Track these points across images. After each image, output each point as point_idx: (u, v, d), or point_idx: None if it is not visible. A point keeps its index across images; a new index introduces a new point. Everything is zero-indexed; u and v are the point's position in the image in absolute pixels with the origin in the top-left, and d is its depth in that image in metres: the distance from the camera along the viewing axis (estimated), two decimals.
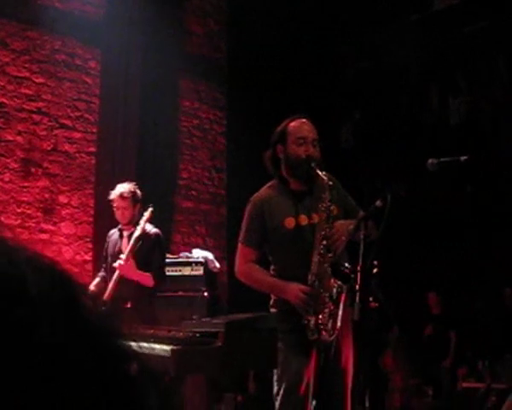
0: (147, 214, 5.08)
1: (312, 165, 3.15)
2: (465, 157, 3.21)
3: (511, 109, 6.75)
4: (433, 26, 7.53)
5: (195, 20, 8.21)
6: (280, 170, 3.32)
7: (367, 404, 3.40)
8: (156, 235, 5.09)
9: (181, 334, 2.39)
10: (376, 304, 6.73)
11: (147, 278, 4.89)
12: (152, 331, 2.64)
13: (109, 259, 5.20)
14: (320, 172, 3.13)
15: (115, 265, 4.85)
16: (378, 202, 2.99)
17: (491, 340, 6.25)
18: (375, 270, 6.16)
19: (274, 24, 7.48)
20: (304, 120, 3.32)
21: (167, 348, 2.12)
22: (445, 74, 7.57)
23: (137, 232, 4.97)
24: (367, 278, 3.03)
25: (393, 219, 3.19)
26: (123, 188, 5.11)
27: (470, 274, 6.76)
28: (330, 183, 3.12)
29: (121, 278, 4.85)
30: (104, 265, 5.28)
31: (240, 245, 3.30)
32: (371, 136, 7.74)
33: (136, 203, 5.13)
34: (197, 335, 2.30)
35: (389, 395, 6.71)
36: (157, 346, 2.27)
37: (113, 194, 5.11)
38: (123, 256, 4.84)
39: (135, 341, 2.57)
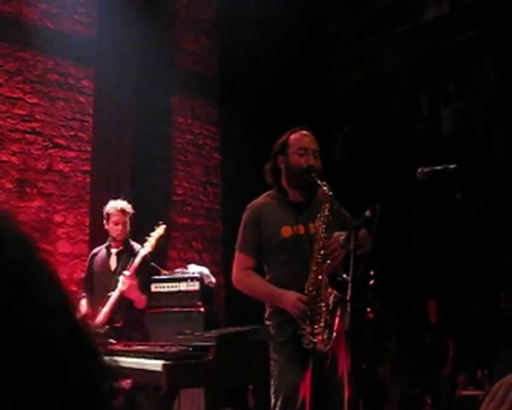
0: (160, 232, 5.04)
1: (313, 175, 3.18)
2: (454, 166, 3.23)
3: (502, 116, 6.79)
4: (423, 36, 7.59)
5: (187, 36, 8.26)
6: (280, 181, 3.35)
7: None
8: (147, 255, 5.06)
9: (173, 349, 2.41)
10: (373, 315, 6.74)
11: (143, 300, 4.89)
12: (144, 347, 2.66)
13: (95, 277, 5.14)
14: (321, 183, 3.16)
15: (120, 282, 4.78)
16: (367, 213, 3.02)
17: (489, 346, 6.25)
18: (371, 281, 6.19)
19: (264, 38, 7.53)
20: (305, 132, 3.36)
21: (159, 362, 2.13)
22: (436, 83, 7.62)
23: (146, 250, 4.91)
24: (361, 289, 3.05)
25: (387, 228, 3.21)
26: (123, 203, 5.10)
27: (465, 281, 6.77)
28: (330, 193, 3.14)
29: (120, 297, 4.80)
30: (87, 284, 5.19)
31: (237, 253, 3.31)
32: (363, 146, 7.78)
33: (130, 221, 5.14)
34: (189, 349, 2.31)
35: (387, 406, 6.70)
36: (149, 361, 2.28)
37: (113, 208, 5.07)
38: (126, 273, 4.78)
39: (127, 357, 2.59)
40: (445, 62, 7.48)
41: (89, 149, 7.10)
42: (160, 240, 5.05)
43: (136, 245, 5.12)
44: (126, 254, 5.05)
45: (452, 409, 6.07)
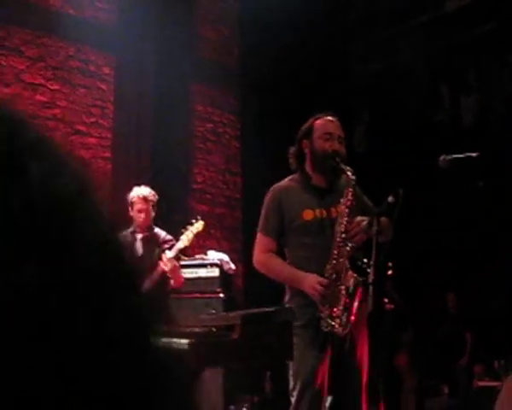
0: (199, 227, 5.08)
1: (337, 160, 3.21)
2: (476, 153, 3.24)
3: None
4: (443, 26, 7.55)
5: (207, 24, 8.28)
6: (303, 165, 3.38)
7: (382, 408, 3.42)
8: (173, 242, 5.12)
9: (198, 328, 2.44)
10: (392, 305, 6.74)
11: (179, 277, 4.96)
12: (169, 327, 2.70)
13: None
14: (345, 168, 3.18)
15: (163, 261, 4.84)
16: (390, 198, 3.03)
17: (506, 339, 6.24)
18: (389, 271, 6.20)
19: (285, 27, 7.52)
20: (330, 118, 3.39)
21: (185, 341, 2.16)
22: (457, 74, 7.58)
23: (183, 244, 4.96)
24: (381, 277, 3.07)
25: (407, 218, 3.22)
26: (146, 191, 5.15)
27: (484, 272, 6.75)
28: (354, 178, 3.16)
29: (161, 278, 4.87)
30: None
31: (258, 234, 3.34)
32: (383, 137, 7.76)
33: (153, 208, 5.19)
34: (213, 329, 2.34)
35: (404, 396, 6.71)
36: (175, 340, 2.31)
37: (136, 196, 5.13)
38: (170, 254, 4.85)
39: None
40: (466, 53, 7.44)
41: (109, 136, 7.15)
42: (197, 236, 5.10)
43: (160, 232, 5.19)
44: (151, 240, 5.11)
45: (469, 399, 6.08)
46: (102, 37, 7.11)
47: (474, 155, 3.26)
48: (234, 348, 2.19)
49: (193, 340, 2.14)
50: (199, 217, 5.21)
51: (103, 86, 7.19)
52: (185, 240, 4.94)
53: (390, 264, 5.83)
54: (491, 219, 6.28)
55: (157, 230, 5.21)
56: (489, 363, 6.34)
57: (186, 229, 5.03)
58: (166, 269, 4.80)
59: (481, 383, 6.04)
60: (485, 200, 5.45)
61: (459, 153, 3.27)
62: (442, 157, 3.27)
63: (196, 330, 2.45)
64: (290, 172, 3.50)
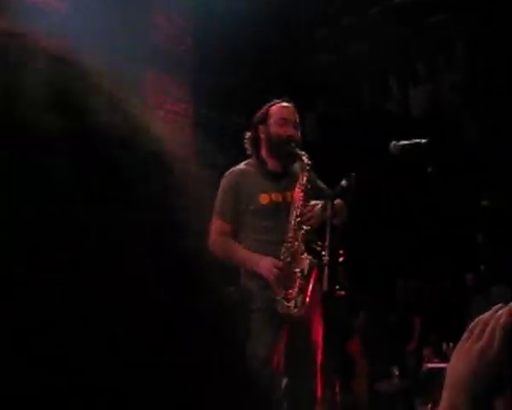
0: None
1: (293, 145, 3.26)
2: (426, 140, 3.33)
3: (471, 97, 6.94)
4: (393, 17, 7.68)
5: (160, 13, 8.22)
6: (259, 150, 3.41)
7: (337, 389, 3.50)
8: None
9: None
10: (343, 292, 6.87)
11: None
12: None
13: None
14: (300, 153, 3.24)
15: None
16: (343, 183, 3.11)
17: (454, 323, 6.42)
18: (341, 258, 6.32)
19: (239, 17, 7.54)
20: (285, 104, 3.44)
21: None
22: (406, 64, 7.73)
23: None
24: (334, 263, 3.14)
25: (359, 203, 3.30)
26: None
27: (433, 258, 6.93)
28: (309, 163, 3.22)
29: None
30: None
31: (214, 218, 3.36)
32: (334, 126, 7.87)
33: None
34: None
35: (356, 380, 6.84)
36: None
37: None
38: None
39: None
40: (416, 44, 7.59)
41: None
42: None
43: None
44: None
45: (418, 381, 6.24)
46: (52, 24, 6.99)
47: (423, 141, 3.35)
48: None
49: None
50: None
51: None
52: None
53: (341, 251, 5.93)
54: (439, 204, 6.44)
55: None
56: (437, 346, 6.51)
57: None
58: None
59: (430, 365, 6.20)
60: (434, 186, 5.59)
61: (408, 140, 3.36)
62: (392, 143, 3.35)
63: None
64: (243, 159, 3.53)
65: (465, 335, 0.98)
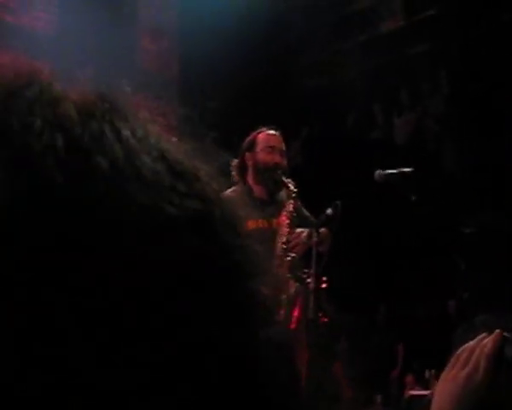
0: None
1: (279, 172, 3.29)
2: (410, 169, 3.37)
3: (454, 126, 7.03)
4: (379, 46, 7.79)
5: (147, 37, 8.27)
6: (245, 177, 3.44)
7: None
8: None
9: None
10: (326, 319, 6.86)
11: None
12: None
13: None
14: (286, 180, 3.26)
15: None
16: (329, 211, 3.13)
17: (436, 350, 6.44)
18: (323, 285, 6.32)
19: (227, 42, 7.60)
20: (273, 132, 3.47)
21: None
22: (390, 93, 7.83)
23: None
24: (318, 289, 3.15)
25: (344, 230, 3.33)
26: None
27: (416, 286, 6.96)
28: (295, 191, 3.25)
29: None
30: None
31: None
32: (319, 153, 7.92)
33: None
34: None
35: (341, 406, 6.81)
36: None
37: None
38: None
39: None
40: (400, 74, 7.69)
41: None
42: None
43: None
44: None
45: (401, 408, 6.23)
46: (40, 46, 7.00)
47: (407, 170, 3.39)
48: None
49: None
50: None
51: None
52: None
53: (324, 277, 5.94)
54: (423, 232, 6.49)
55: None
56: (420, 373, 6.52)
57: None
58: None
59: (413, 392, 6.21)
60: (417, 213, 5.64)
61: (393, 169, 3.40)
62: (377, 172, 3.39)
63: None
64: (230, 185, 3.54)
65: (451, 362, 1.00)
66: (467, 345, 0.98)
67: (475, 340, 0.98)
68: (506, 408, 0.98)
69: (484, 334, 0.99)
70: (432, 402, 1.00)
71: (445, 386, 0.98)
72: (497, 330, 0.97)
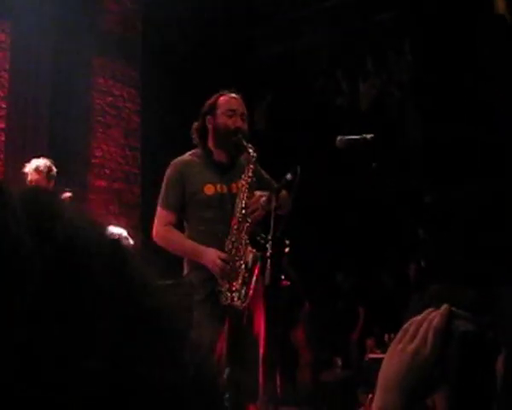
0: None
1: (240, 136, 3.25)
2: (371, 135, 3.37)
3: (417, 93, 7.06)
4: (345, 12, 7.74)
5: None
6: (206, 141, 3.40)
7: (278, 380, 3.52)
8: None
9: None
10: (288, 282, 6.93)
11: None
12: None
13: None
14: (246, 145, 3.23)
15: None
16: (288, 176, 3.12)
17: (397, 313, 6.55)
18: (286, 249, 6.36)
19: (189, 4, 7.48)
20: (234, 95, 3.42)
21: None
22: (355, 59, 7.81)
23: None
24: (279, 254, 3.15)
25: (304, 194, 3.33)
26: (38, 162, 5.03)
27: (376, 250, 7.04)
28: (255, 155, 3.22)
29: None
30: None
31: (158, 208, 3.34)
32: (283, 118, 7.89)
33: (50, 179, 5.06)
34: None
35: (300, 370, 6.91)
36: None
37: (28, 167, 5.02)
38: None
39: None
40: (365, 40, 7.67)
41: (4, 105, 6.88)
42: None
43: None
44: None
45: (361, 371, 6.35)
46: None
47: (368, 136, 3.39)
48: None
49: None
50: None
51: None
52: None
53: (287, 241, 5.97)
54: (383, 198, 6.55)
55: None
56: (380, 336, 6.64)
57: None
58: None
59: (373, 356, 6.32)
60: (377, 180, 5.68)
61: (356, 135, 3.39)
62: (339, 138, 3.38)
63: None
64: (189, 148, 3.51)
65: (398, 336, 1.00)
66: (414, 318, 0.99)
67: (423, 314, 0.99)
68: (451, 382, 0.99)
69: (431, 308, 0.99)
70: (379, 375, 1.01)
71: (393, 359, 0.98)
72: (445, 305, 0.98)
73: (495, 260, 4.95)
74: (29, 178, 5.00)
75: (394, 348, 0.99)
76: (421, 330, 0.97)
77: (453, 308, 0.98)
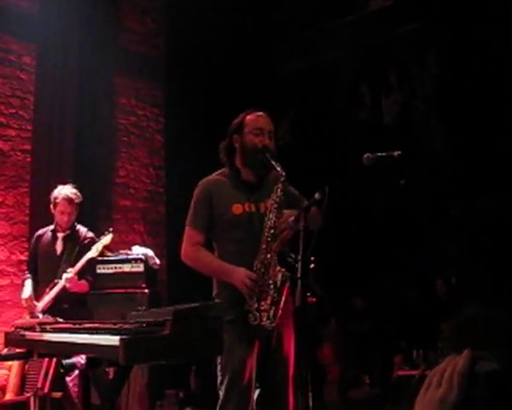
0: (108, 240, 5.05)
1: (267, 155, 3.24)
2: (398, 152, 3.34)
3: (442, 107, 7.01)
4: (367, 26, 7.73)
5: (133, 17, 8.17)
6: (233, 160, 3.39)
7: (309, 401, 3.48)
8: (91, 239, 5.09)
9: (128, 325, 2.43)
10: (314, 299, 6.88)
11: (85, 287, 4.92)
12: (97, 324, 2.67)
13: (40, 260, 5.14)
14: (274, 163, 3.22)
15: (64, 280, 4.81)
16: (317, 195, 3.09)
17: (424, 330, 6.48)
18: (311, 265, 6.31)
19: (211, 23, 7.52)
20: (261, 113, 3.42)
21: (115, 337, 2.14)
22: (378, 74, 7.78)
23: (92, 254, 4.94)
24: (305, 271, 3.12)
25: (333, 212, 3.30)
26: (71, 192, 5.06)
27: (404, 266, 6.98)
28: (283, 174, 3.21)
29: (63, 290, 4.85)
30: (32, 265, 5.21)
31: (187, 228, 3.34)
32: (307, 133, 7.88)
33: (78, 208, 5.11)
34: (144, 324, 2.33)
35: (327, 387, 6.85)
36: (104, 337, 2.29)
37: (60, 197, 5.04)
38: (70, 270, 4.83)
39: (80, 333, 2.59)
40: (388, 53, 7.64)
41: (29, 127, 6.96)
42: (106, 247, 5.12)
43: (82, 229, 5.12)
44: (72, 239, 5.05)
45: (389, 388, 6.28)
46: (24, 25, 6.90)
47: (396, 153, 3.36)
48: (165, 344, 2.19)
49: (124, 336, 2.12)
50: (110, 229, 5.21)
51: (24, 76, 6.98)
52: (94, 251, 4.97)
53: (312, 258, 5.94)
54: (410, 215, 6.49)
55: (79, 227, 5.14)
56: (408, 353, 6.56)
57: (98, 240, 5.05)
58: (67, 286, 4.81)
59: (401, 373, 6.25)
60: (405, 197, 5.64)
61: (381, 151, 3.37)
62: (366, 155, 3.36)
63: (126, 326, 2.43)
64: (214, 167, 3.51)
65: (424, 385, 1.03)
66: (438, 366, 1.02)
67: (445, 361, 1.01)
68: None
69: (452, 354, 1.01)
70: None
71: (422, 408, 1.01)
72: (467, 349, 0.99)
73: None
74: (59, 207, 5.04)
75: (422, 398, 1.01)
76: (446, 376, 0.98)
77: (475, 353, 0.99)
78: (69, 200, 5.01)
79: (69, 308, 4.86)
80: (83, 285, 4.92)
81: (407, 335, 6.84)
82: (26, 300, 4.92)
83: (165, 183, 8.23)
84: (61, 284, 4.81)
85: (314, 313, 6.28)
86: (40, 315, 4.82)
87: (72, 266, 4.86)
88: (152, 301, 5.67)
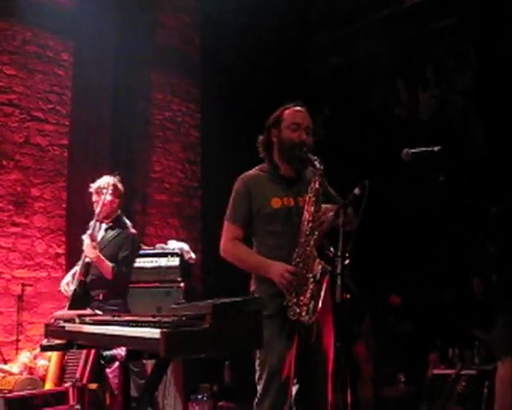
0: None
1: (305, 150, 3.23)
2: (438, 147, 3.30)
3: (481, 102, 6.90)
4: (402, 21, 7.64)
5: (169, 12, 8.21)
6: (271, 155, 3.38)
7: (348, 398, 3.46)
8: (132, 235, 5.11)
9: (168, 318, 2.43)
10: (348, 295, 6.83)
11: (107, 268, 4.89)
12: (134, 318, 2.68)
13: None
14: (312, 158, 3.20)
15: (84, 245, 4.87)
16: (356, 190, 3.06)
17: (461, 328, 6.39)
18: (346, 261, 6.28)
19: (247, 19, 7.52)
20: (299, 108, 3.40)
21: (156, 330, 2.14)
22: (415, 69, 7.68)
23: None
24: (343, 267, 3.09)
25: (371, 209, 3.27)
26: (101, 181, 5.11)
27: (441, 264, 6.89)
28: (321, 168, 3.19)
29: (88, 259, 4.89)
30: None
31: (226, 223, 3.34)
32: (342, 130, 7.82)
33: (116, 197, 5.12)
34: (184, 318, 2.33)
35: (361, 384, 6.81)
36: (145, 329, 2.30)
37: (93, 187, 5.13)
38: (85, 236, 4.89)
39: (120, 326, 2.60)
40: (424, 48, 7.54)
41: (67, 122, 7.04)
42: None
43: (127, 222, 5.18)
44: (114, 230, 5.09)
45: (424, 386, 6.21)
46: (61, 22, 6.98)
47: (435, 148, 3.31)
48: (205, 338, 2.19)
49: (165, 329, 2.12)
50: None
51: (61, 72, 7.06)
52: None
53: (347, 254, 5.89)
54: (449, 212, 6.41)
55: (125, 219, 5.18)
56: (444, 352, 6.48)
57: None
58: (91, 256, 4.83)
59: (436, 371, 6.18)
60: (445, 193, 5.56)
61: (417, 146, 3.33)
62: (405, 150, 3.32)
63: (166, 319, 2.43)
64: (248, 162, 3.50)
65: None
66: None
67: None
68: None
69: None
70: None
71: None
72: None
73: None
74: (92, 198, 5.08)
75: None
76: None
77: None
78: (96, 190, 5.10)
79: (103, 301, 4.89)
80: (104, 263, 4.90)
81: (443, 333, 6.76)
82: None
83: (200, 178, 8.25)
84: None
85: (349, 309, 6.23)
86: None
87: (107, 254, 4.90)
88: (187, 296, 5.69)
